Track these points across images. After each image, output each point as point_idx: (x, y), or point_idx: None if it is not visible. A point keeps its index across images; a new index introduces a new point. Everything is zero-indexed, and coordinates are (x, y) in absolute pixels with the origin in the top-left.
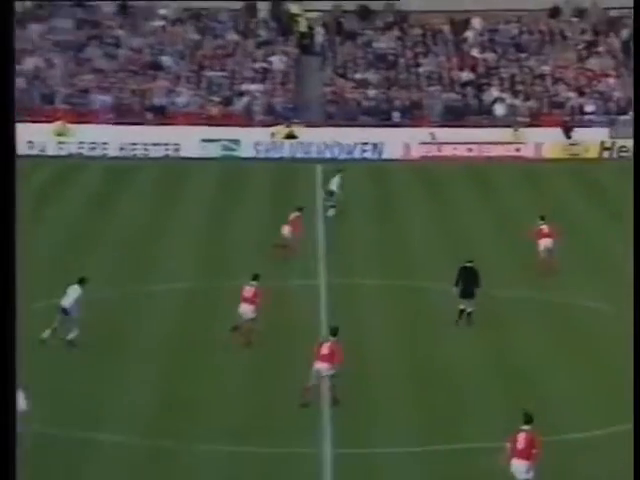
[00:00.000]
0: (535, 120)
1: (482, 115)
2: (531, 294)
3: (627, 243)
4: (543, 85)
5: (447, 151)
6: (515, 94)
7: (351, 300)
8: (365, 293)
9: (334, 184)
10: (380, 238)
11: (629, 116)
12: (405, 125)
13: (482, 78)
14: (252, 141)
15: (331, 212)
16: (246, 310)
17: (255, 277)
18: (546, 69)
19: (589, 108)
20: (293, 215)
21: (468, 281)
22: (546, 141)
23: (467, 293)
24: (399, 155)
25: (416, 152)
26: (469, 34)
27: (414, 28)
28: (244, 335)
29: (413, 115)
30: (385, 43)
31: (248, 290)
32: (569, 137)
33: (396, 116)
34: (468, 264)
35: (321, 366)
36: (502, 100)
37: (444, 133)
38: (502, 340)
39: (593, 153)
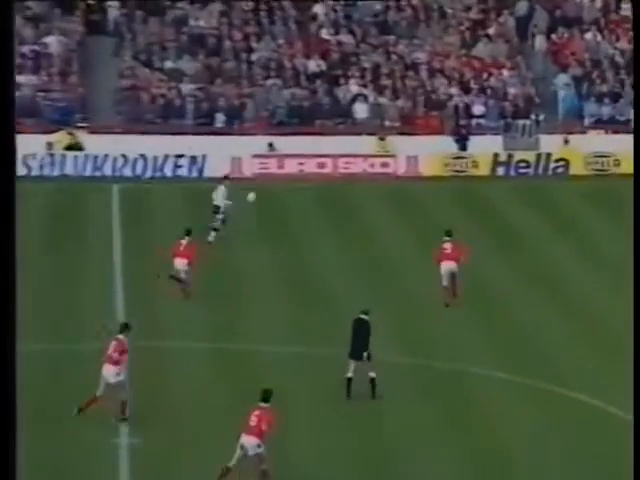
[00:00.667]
0: (407, 125)
1: (337, 118)
2: (416, 361)
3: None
4: (417, 79)
5: (291, 167)
6: (380, 90)
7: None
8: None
9: (219, 196)
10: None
11: (528, 120)
12: (233, 132)
13: (336, 68)
14: (19, 154)
15: (212, 236)
16: (109, 373)
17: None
18: (421, 57)
19: (477, 109)
20: (184, 241)
21: (360, 338)
22: (422, 153)
23: (358, 354)
24: (226, 172)
25: (249, 168)
26: (318, 10)
27: (244, 1)
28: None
29: (244, 119)
30: (205, 21)
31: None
32: (464, 148)
33: (220, 120)
34: (363, 316)
35: (247, 440)
36: (364, 98)
37: (286, 143)
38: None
39: (483, 169)
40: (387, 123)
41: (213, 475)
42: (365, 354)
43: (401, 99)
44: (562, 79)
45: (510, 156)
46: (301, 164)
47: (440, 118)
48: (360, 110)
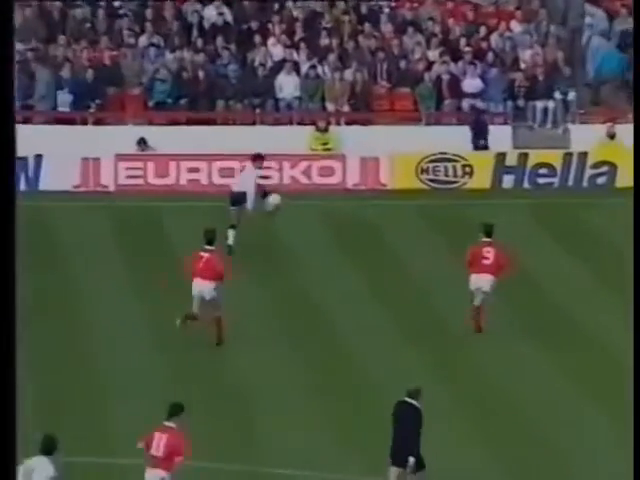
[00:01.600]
0: (363, 109)
1: (251, 98)
2: None
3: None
4: (377, 36)
5: (177, 174)
6: (319, 54)
7: None
8: None
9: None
10: None
11: (551, 101)
12: (84, 120)
13: (249, 19)
14: None
15: None
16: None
17: None
18: (383, 2)
19: (471, 84)
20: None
21: (405, 433)
22: (386, 153)
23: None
24: (74, 182)
25: (109, 176)
26: None
27: None
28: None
29: (103, 98)
30: None
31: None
32: (485, 147)
33: (64, 99)
34: (408, 399)
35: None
36: (292, 66)
37: (169, 137)
38: None
39: (481, 178)
40: (330, 106)
41: None
42: (412, 460)
43: (351, 68)
44: (605, 37)
45: (523, 157)
46: (193, 170)
47: (413, 97)
48: (287, 85)
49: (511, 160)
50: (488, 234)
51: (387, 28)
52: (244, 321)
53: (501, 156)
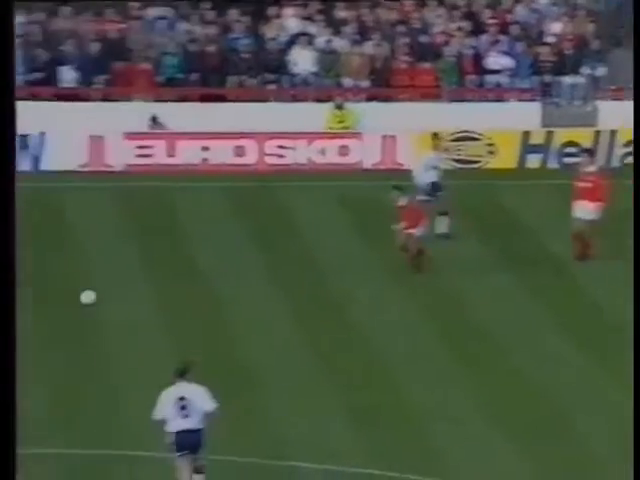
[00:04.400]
0: (382, 86)
1: (265, 74)
2: None
3: None
4: (397, 8)
5: (187, 153)
6: (336, 27)
7: None
8: None
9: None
10: None
11: (581, 77)
12: (91, 96)
13: None
14: None
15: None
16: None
17: None
18: None
19: (497, 60)
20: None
21: None
22: (404, 131)
23: None
24: (81, 160)
25: (117, 156)
26: None
27: None
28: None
29: (109, 73)
30: None
31: None
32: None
33: (69, 76)
34: None
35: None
36: (308, 40)
37: (180, 114)
38: None
39: (506, 158)
40: (347, 81)
41: None
42: None
43: (371, 42)
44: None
45: (551, 136)
46: (204, 149)
47: (434, 73)
48: (302, 60)
49: (537, 138)
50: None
51: (408, 0)
52: (260, 304)
53: (526, 135)
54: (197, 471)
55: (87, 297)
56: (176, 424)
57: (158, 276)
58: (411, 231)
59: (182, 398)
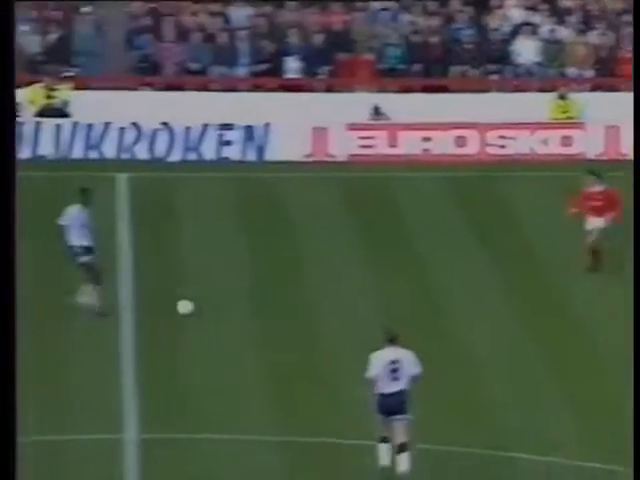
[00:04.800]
0: (606, 75)
1: (487, 64)
2: None
3: None
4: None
5: (409, 144)
6: (560, 16)
7: None
8: None
9: None
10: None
11: None
12: (314, 87)
13: None
14: None
15: None
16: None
17: None
18: None
19: None
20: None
21: None
22: (626, 121)
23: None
24: (304, 151)
25: (340, 146)
26: None
27: None
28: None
29: (332, 64)
30: None
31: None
32: None
33: (293, 67)
34: None
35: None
36: (532, 30)
37: (402, 104)
38: None
39: None
40: (571, 71)
41: None
42: None
43: (596, 31)
44: None
45: None
46: (426, 139)
47: None
48: (526, 50)
49: None
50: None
51: None
52: (479, 295)
53: None
54: (401, 449)
55: (184, 307)
56: (385, 385)
57: (380, 265)
58: (596, 220)
59: (394, 361)
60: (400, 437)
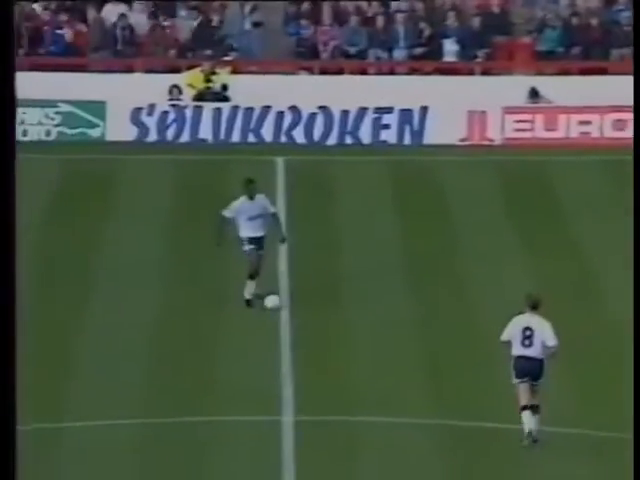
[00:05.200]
0: None
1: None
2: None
3: None
4: None
5: (568, 127)
6: None
7: None
8: None
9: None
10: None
11: None
12: (470, 70)
13: None
14: (126, 106)
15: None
16: None
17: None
18: None
19: None
20: None
21: None
22: None
23: None
24: (459, 136)
25: (497, 129)
26: None
27: None
28: None
29: (489, 46)
30: None
31: None
32: None
33: (451, 49)
34: None
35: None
36: None
37: (561, 87)
38: None
39: None
40: None
41: None
42: None
43: None
44: None
45: None
46: (585, 123)
47: None
48: None
49: None
50: None
51: None
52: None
53: None
54: (534, 411)
55: (272, 302)
56: (518, 349)
57: (536, 249)
58: None
59: (528, 328)
60: (530, 399)
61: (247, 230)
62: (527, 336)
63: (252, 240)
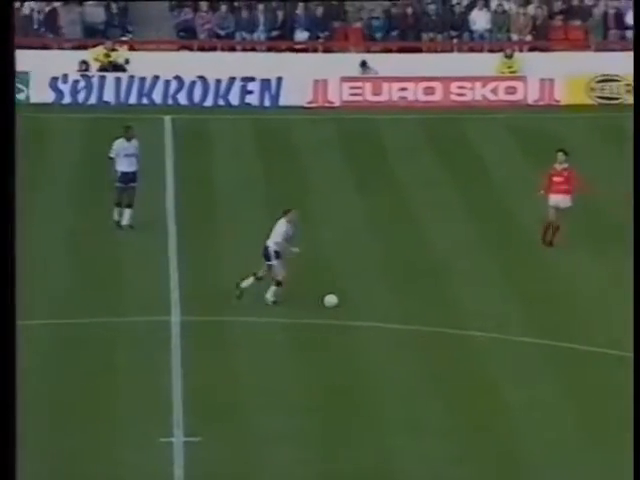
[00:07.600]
0: (541, 39)
1: (450, 31)
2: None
3: None
4: None
5: (390, 92)
6: None
7: None
8: None
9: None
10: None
11: None
12: (316, 49)
13: None
14: (47, 75)
15: None
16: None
17: None
18: None
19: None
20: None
21: None
22: (560, 75)
23: None
24: (307, 99)
25: (336, 94)
26: None
27: None
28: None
29: (330, 31)
30: None
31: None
32: None
33: (301, 33)
34: None
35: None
36: (484, 3)
37: (384, 62)
38: None
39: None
40: (515, 36)
41: None
42: None
43: (533, 5)
44: None
45: None
46: (403, 89)
47: (584, 29)
48: (479, 20)
49: None
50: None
51: None
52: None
53: None
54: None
55: (330, 301)
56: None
57: (364, 189)
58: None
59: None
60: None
61: (123, 165)
62: None
63: (126, 174)
